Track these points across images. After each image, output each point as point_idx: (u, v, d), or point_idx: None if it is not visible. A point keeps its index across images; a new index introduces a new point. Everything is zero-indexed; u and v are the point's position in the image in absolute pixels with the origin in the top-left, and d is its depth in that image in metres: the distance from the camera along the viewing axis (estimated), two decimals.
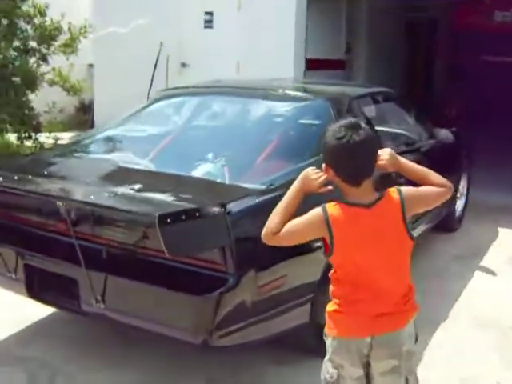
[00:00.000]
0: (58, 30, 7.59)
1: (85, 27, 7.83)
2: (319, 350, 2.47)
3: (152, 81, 9.75)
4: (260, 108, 4.14)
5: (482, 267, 5.40)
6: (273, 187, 3.13)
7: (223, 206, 2.68)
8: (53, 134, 8.17)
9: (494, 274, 5.26)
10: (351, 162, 2.19)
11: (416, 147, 4.92)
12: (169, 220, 2.44)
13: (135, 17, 9.93)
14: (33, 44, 7.87)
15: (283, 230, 2.26)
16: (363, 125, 2.24)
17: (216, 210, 2.65)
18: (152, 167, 3.59)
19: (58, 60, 8.14)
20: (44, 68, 8.15)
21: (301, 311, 3.19)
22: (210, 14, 9.32)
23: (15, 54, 7.70)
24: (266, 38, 8.62)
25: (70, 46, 7.83)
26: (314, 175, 2.32)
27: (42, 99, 9.41)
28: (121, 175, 3.51)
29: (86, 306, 3.06)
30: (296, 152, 3.65)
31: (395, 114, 5.21)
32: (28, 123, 7.95)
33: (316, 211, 2.25)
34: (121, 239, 2.98)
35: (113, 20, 10.16)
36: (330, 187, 2.30)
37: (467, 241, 6.16)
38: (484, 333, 4.11)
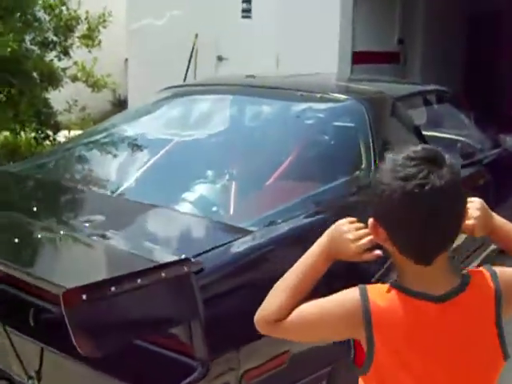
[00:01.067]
0: (75, 19, 6.86)
1: (103, 15, 7.06)
2: None
3: (186, 75, 9.05)
4: (275, 112, 3.30)
5: None
6: (275, 226, 2.27)
7: (186, 262, 1.84)
8: (72, 134, 7.50)
9: None
10: (423, 224, 1.32)
11: (477, 159, 3.98)
12: (85, 296, 1.58)
13: (170, 8, 9.26)
14: (53, 37, 7.21)
15: (291, 317, 1.43)
16: (447, 159, 1.35)
17: (176, 269, 1.81)
18: (124, 193, 2.73)
19: (88, 54, 7.48)
20: (67, 62, 7.50)
21: None
22: (247, 1, 8.49)
23: (33, 47, 7.05)
24: (308, 29, 7.74)
25: (90, 38, 7.10)
26: (350, 232, 1.46)
27: (74, 95, 8.87)
28: (76, 205, 2.69)
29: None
30: (315, 172, 2.80)
31: (451, 117, 4.27)
32: (46, 122, 7.29)
33: (349, 295, 1.41)
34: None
35: (147, 12, 9.52)
36: (377, 252, 1.45)
37: None
38: None
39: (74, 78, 7.62)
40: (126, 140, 3.21)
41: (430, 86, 4.33)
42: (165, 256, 1.94)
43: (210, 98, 3.54)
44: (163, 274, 1.77)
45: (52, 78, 7.26)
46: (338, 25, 7.69)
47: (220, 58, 8.87)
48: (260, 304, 1.51)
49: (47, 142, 7.40)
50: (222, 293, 1.99)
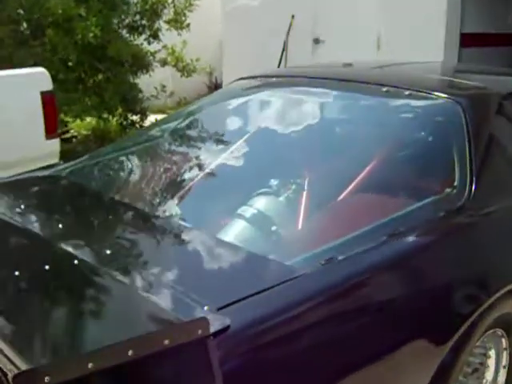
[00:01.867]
0: (161, 3, 6.55)
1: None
2: None
3: (281, 57, 8.59)
4: (351, 114, 2.78)
5: None
6: (333, 265, 1.79)
7: (201, 321, 1.40)
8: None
9: None
10: None
11: None
12: (48, 379, 1.18)
13: None
14: (142, 21, 6.96)
15: None
16: None
17: (186, 332, 1.38)
18: (151, 213, 2.27)
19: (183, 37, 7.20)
20: (157, 46, 7.24)
21: None
22: None
23: (121, 31, 6.83)
24: (412, 7, 7.06)
25: (177, 21, 6.79)
26: None
27: (170, 79, 8.66)
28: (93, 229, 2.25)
29: None
30: (393, 191, 2.28)
31: None
32: (133, 108, 7.08)
33: None
34: None
35: None
36: None
37: None
38: None
39: (164, 63, 7.35)
40: (176, 143, 2.81)
41: None
42: (173, 309, 1.50)
43: (280, 93, 3.07)
44: (166, 342, 1.35)
45: (141, 63, 7.03)
46: (446, 2, 6.94)
47: (317, 41, 8.34)
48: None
49: (133, 128, 7.21)
50: (253, 364, 1.53)
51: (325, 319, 1.63)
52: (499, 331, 2.37)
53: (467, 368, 2.48)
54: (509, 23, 8.06)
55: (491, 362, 2.48)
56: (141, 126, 7.14)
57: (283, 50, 8.65)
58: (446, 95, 2.62)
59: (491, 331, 2.31)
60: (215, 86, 11.50)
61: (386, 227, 1.99)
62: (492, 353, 2.46)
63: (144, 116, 7.25)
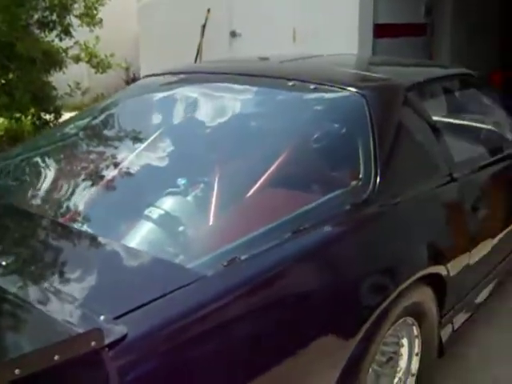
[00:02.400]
0: None
1: None
2: None
3: (198, 51, 8.51)
4: (255, 108, 2.76)
5: None
6: (235, 266, 1.75)
7: (94, 333, 1.35)
8: None
9: None
10: None
11: (508, 153, 3.42)
12: None
13: None
14: (52, 16, 6.73)
15: None
16: None
17: (78, 345, 1.32)
18: (50, 218, 2.17)
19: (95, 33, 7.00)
20: (69, 42, 7.03)
21: None
22: None
23: (31, 28, 6.59)
24: (326, 0, 7.11)
25: (88, 16, 6.60)
26: None
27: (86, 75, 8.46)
28: None
29: None
30: (297, 185, 2.27)
31: (477, 104, 3.66)
32: (46, 107, 6.86)
33: None
34: None
35: None
36: None
37: None
38: None
39: (77, 59, 7.15)
40: (82, 143, 2.71)
41: (454, 69, 3.72)
42: (66, 322, 1.43)
43: (186, 90, 3.01)
44: (56, 357, 1.29)
45: (53, 60, 6.81)
46: None
47: (233, 34, 8.30)
48: None
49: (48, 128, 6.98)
50: (154, 372, 1.48)
51: (226, 321, 1.60)
52: (409, 320, 2.41)
53: (382, 357, 2.51)
54: (421, 13, 8.24)
55: (404, 351, 2.52)
56: (55, 125, 6.92)
57: (200, 43, 8.58)
58: (350, 88, 2.62)
59: (401, 320, 2.34)
60: (133, 81, 11.30)
61: (291, 223, 1.97)
62: (404, 341, 2.50)
63: (58, 115, 7.03)
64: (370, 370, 2.19)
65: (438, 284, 2.48)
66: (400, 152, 2.49)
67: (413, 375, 2.55)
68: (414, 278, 2.25)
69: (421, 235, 2.41)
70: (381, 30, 7.39)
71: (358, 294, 2.03)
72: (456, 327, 2.89)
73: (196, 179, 2.37)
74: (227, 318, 1.60)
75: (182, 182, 2.30)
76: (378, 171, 2.27)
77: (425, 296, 2.43)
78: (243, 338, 1.67)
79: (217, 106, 2.79)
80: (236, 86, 2.83)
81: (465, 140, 3.34)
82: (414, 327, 2.47)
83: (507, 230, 3.25)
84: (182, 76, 3.24)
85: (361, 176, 2.27)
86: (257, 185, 2.23)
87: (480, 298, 3.13)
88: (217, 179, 2.33)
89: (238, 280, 1.69)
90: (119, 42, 9.43)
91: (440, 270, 2.44)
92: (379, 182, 2.25)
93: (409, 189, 2.42)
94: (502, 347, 3.24)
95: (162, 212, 2.17)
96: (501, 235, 3.16)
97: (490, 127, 3.50)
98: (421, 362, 2.57)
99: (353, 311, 2.00)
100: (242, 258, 1.76)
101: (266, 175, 2.27)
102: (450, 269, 2.50)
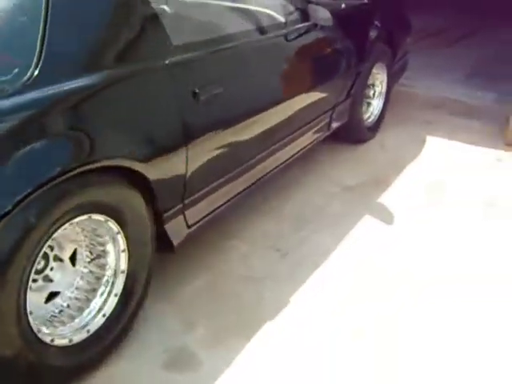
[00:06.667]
0: None
1: None
2: None
3: None
4: None
5: (378, 206, 3.86)
6: None
7: None
8: None
9: (390, 216, 3.73)
10: None
11: (276, 34, 3.32)
12: None
13: None
14: None
15: None
16: None
17: None
18: None
19: None
20: None
21: None
22: None
23: None
24: None
25: None
26: None
27: None
28: None
29: None
30: None
31: None
32: None
33: None
34: None
35: None
36: None
37: (372, 160, 4.57)
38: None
39: None
40: None
41: None
42: None
43: None
44: None
45: None
46: None
47: None
48: None
49: None
50: None
51: None
52: (100, 217, 2.26)
53: (90, 255, 2.40)
54: None
55: (110, 248, 2.41)
56: None
57: None
58: None
59: (84, 218, 2.19)
60: None
61: None
62: (107, 239, 2.38)
63: None
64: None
65: (139, 179, 2.34)
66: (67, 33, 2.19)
67: (123, 272, 2.45)
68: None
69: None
70: None
71: None
72: (192, 222, 2.80)
73: None
74: None
75: None
76: (42, 56, 2.04)
77: (115, 192, 2.28)
78: None
79: None
80: None
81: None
82: (111, 224, 2.33)
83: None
84: None
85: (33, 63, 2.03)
86: None
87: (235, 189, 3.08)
88: None
89: None
90: None
91: (136, 164, 2.28)
92: (41, 68, 2.03)
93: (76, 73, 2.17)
94: None
95: None
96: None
97: (264, 7, 3.39)
98: (132, 258, 2.46)
99: None
100: None
101: None
102: (159, 162, 2.37)
